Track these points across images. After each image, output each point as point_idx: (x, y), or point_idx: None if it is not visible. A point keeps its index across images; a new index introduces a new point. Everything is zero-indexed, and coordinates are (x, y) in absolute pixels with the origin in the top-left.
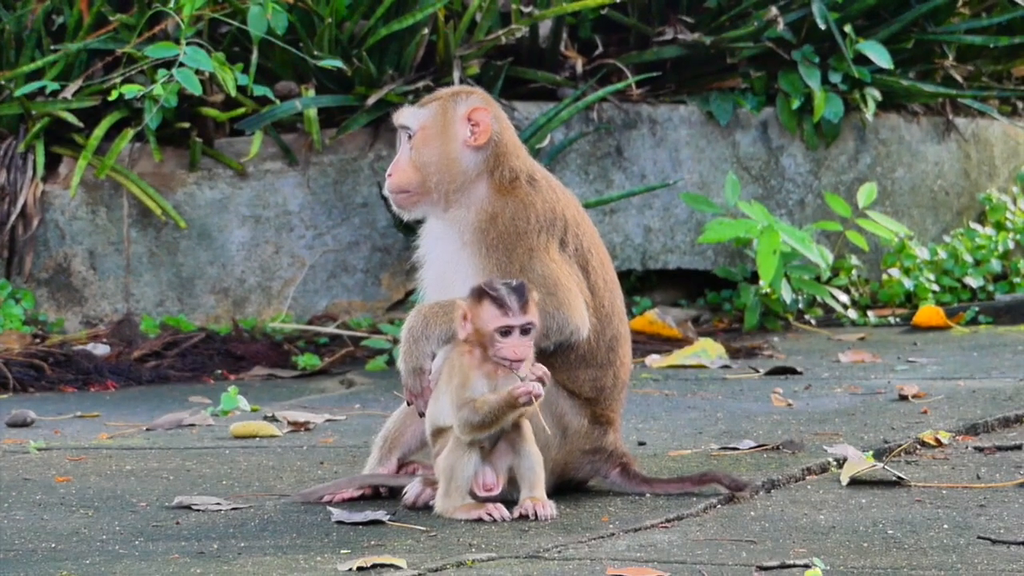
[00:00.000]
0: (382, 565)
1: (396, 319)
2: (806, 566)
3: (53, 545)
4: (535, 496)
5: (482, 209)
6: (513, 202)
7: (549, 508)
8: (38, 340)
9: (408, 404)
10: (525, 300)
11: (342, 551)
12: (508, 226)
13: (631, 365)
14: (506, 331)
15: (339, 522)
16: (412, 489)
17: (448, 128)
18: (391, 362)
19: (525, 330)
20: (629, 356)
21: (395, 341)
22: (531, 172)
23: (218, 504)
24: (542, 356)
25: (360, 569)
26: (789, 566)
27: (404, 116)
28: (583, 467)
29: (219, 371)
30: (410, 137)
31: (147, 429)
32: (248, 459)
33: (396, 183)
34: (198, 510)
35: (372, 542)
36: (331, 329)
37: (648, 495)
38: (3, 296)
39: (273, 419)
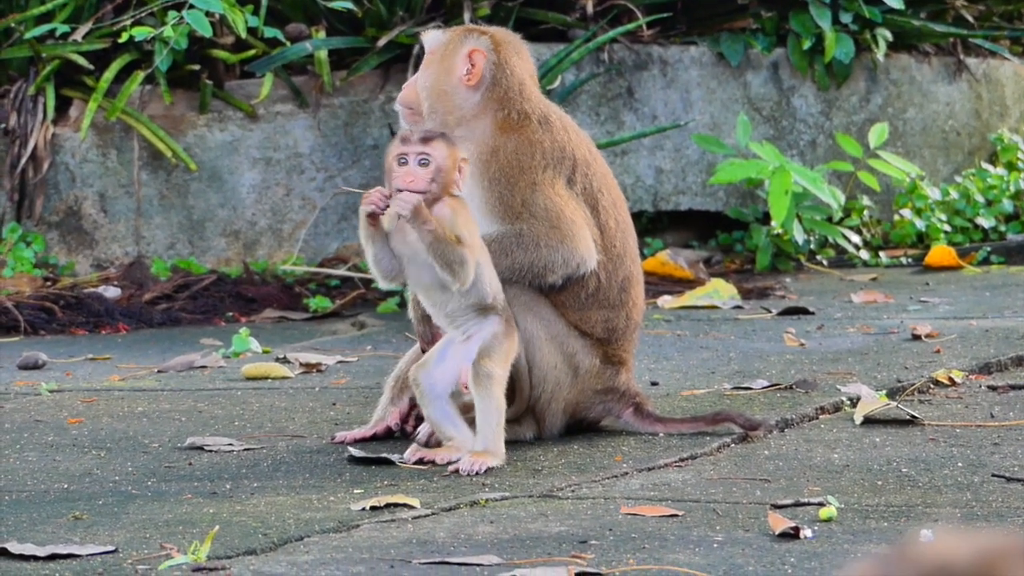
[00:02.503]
0: (395, 504)
1: None
2: (820, 504)
3: (66, 486)
4: (475, 450)
5: (483, 143)
6: (517, 138)
7: (476, 466)
8: (49, 283)
9: (422, 351)
10: (430, 136)
11: (355, 490)
12: (511, 159)
13: (644, 306)
14: (402, 159)
15: (351, 457)
16: (424, 428)
17: (447, 60)
18: (402, 304)
19: (422, 162)
20: (642, 297)
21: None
22: (545, 113)
23: (230, 445)
24: (553, 294)
25: (373, 508)
26: (803, 504)
27: (425, 36)
28: (595, 407)
29: (230, 314)
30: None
31: (159, 371)
32: (260, 400)
33: (402, 97)
34: (210, 451)
35: (385, 482)
36: (342, 271)
37: (661, 435)
38: (14, 239)
39: (285, 361)
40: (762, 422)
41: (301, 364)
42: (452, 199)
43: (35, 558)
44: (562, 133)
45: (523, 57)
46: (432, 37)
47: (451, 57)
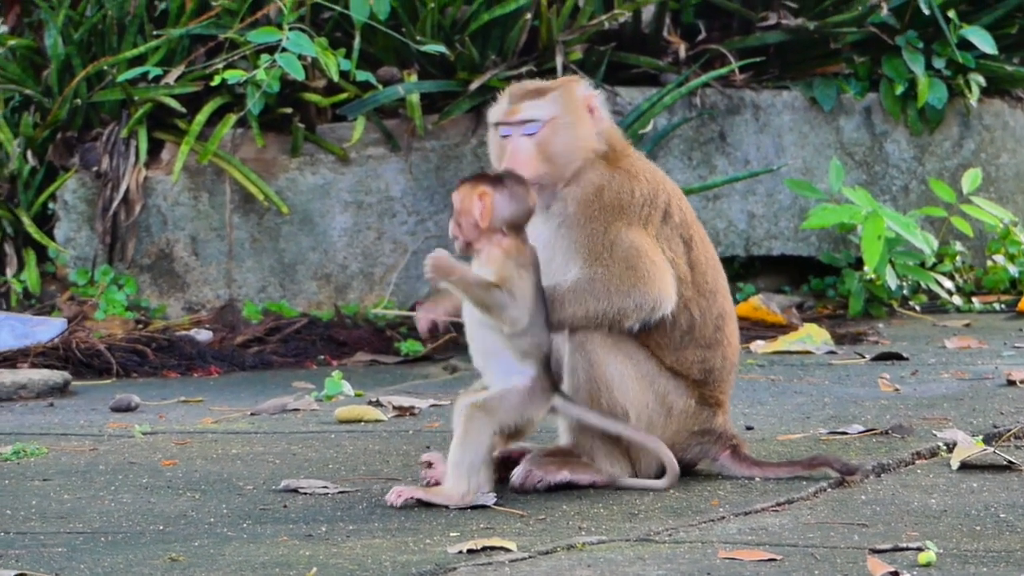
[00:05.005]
0: (492, 548)
1: None
2: (919, 549)
3: (161, 527)
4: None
5: (591, 182)
6: (620, 175)
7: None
8: (141, 326)
9: None
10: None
11: (451, 533)
12: (613, 198)
13: (739, 346)
14: None
15: (446, 506)
16: (520, 471)
17: (576, 114)
18: None
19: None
20: (736, 336)
21: None
22: (631, 151)
23: (325, 487)
24: (644, 335)
25: (470, 552)
26: (902, 549)
27: (528, 110)
28: (691, 448)
29: (322, 357)
30: (531, 133)
31: (252, 414)
32: (354, 443)
33: (532, 174)
34: (305, 493)
35: (481, 525)
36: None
37: (758, 479)
38: (106, 282)
39: (378, 404)
40: (859, 467)
41: (394, 407)
42: (506, 240)
43: None
44: (654, 169)
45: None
46: (539, 106)
47: (578, 110)
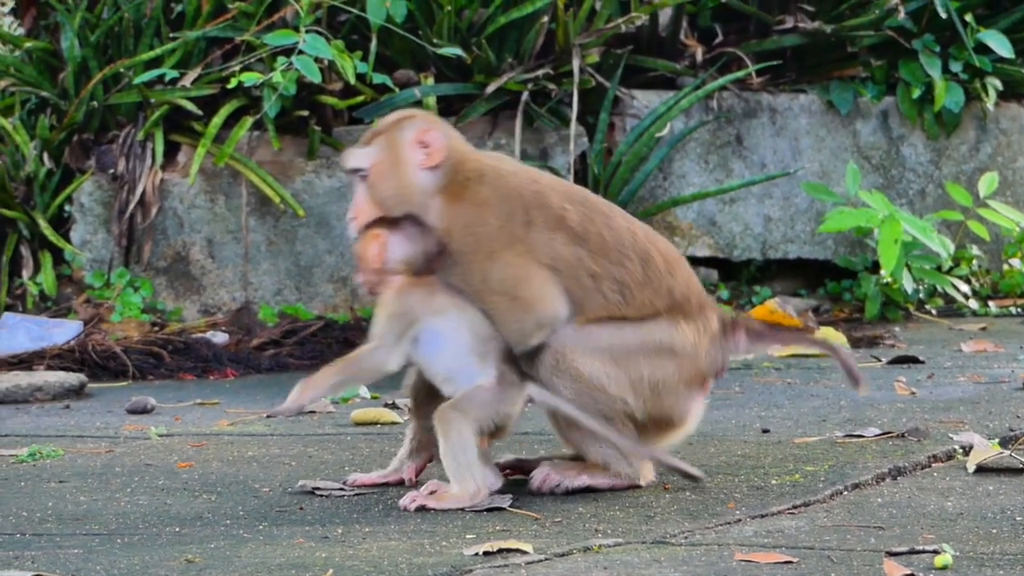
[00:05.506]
0: (508, 550)
1: None
2: (935, 552)
3: (177, 529)
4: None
5: (438, 226)
6: (465, 208)
7: (424, 501)
8: (157, 328)
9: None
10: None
11: (467, 536)
12: (465, 236)
13: (680, 257)
14: None
15: (462, 508)
16: (538, 474)
17: (399, 158)
18: None
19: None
20: (672, 251)
21: None
22: (480, 170)
23: (341, 489)
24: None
25: (487, 554)
26: (919, 552)
27: (353, 159)
28: (717, 357)
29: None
30: (364, 178)
31: (267, 416)
32: (370, 445)
33: (362, 224)
34: (321, 495)
35: (497, 527)
36: None
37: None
38: (122, 284)
39: (393, 406)
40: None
41: (408, 410)
42: (401, 280)
43: None
44: (499, 181)
45: (447, 125)
46: (363, 155)
47: (402, 153)
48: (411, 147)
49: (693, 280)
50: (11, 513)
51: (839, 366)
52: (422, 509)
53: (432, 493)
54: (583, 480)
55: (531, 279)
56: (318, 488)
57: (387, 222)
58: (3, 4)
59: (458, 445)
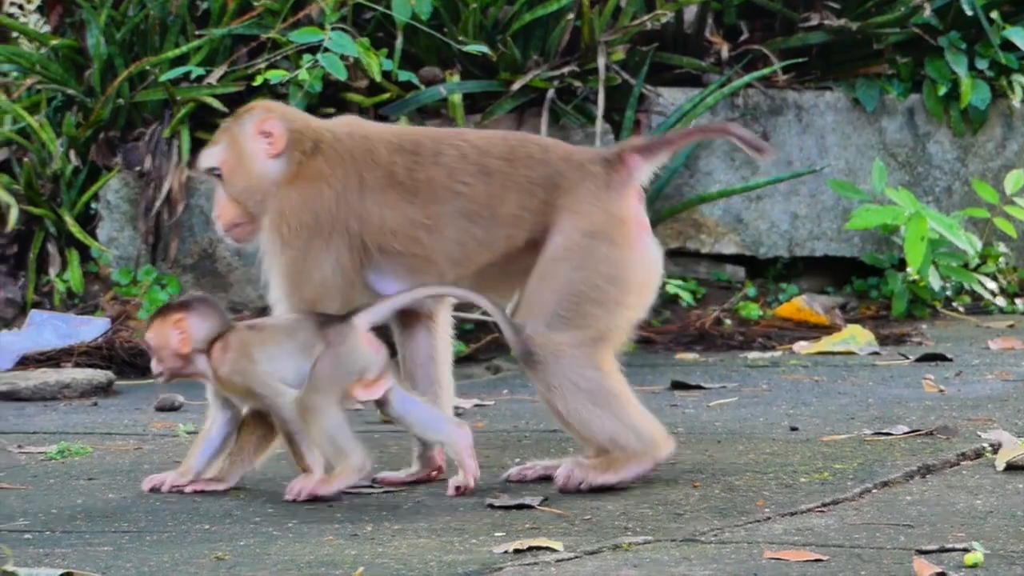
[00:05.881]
0: (537, 548)
1: None
2: (965, 550)
3: (206, 527)
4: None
5: (274, 210)
6: (302, 186)
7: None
8: None
9: None
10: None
11: (496, 534)
12: (302, 215)
13: None
14: None
15: (490, 505)
16: (562, 472)
17: (244, 151)
18: None
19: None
20: (544, 148)
21: None
22: (317, 141)
23: (371, 487)
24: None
25: (516, 551)
26: (948, 550)
27: (204, 159)
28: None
29: None
30: (219, 176)
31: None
32: (399, 443)
33: (225, 222)
34: (350, 493)
35: (526, 525)
36: (476, 316)
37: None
38: (149, 282)
39: None
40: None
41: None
42: (207, 356)
43: None
44: (334, 148)
45: (291, 109)
46: (212, 154)
47: (245, 146)
48: (253, 139)
49: (553, 150)
50: (41, 510)
51: (740, 144)
52: (314, 498)
53: (319, 480)
54: (607, 479)
55: (339, 294)
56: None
57: (179, 307)
58: (29, 2)
59: (326, 427)
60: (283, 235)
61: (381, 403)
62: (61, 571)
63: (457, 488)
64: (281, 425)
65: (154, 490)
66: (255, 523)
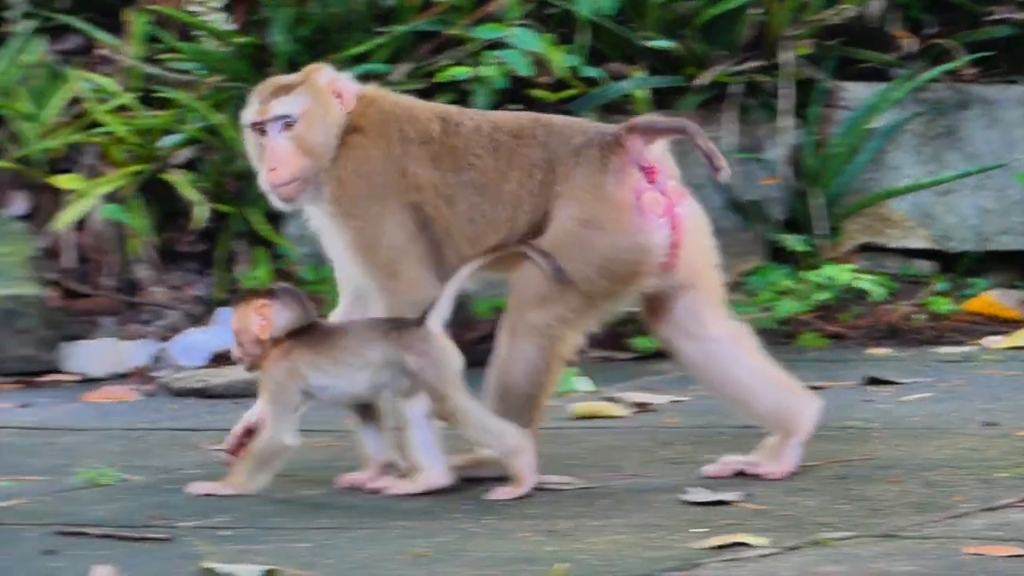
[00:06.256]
0: (738, 544)
1: (732, 301)
2: None
3: (404, 523)
4: None
5: (333, 177)
6: (358, 149)
7: None
8: None
9: None
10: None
11: (694, 530)
12: (359, 182)
13: None
14: None
15: (688, 501)
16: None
17: (326, 103)
18: None
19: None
20: (548, 127)
21: None
22: (365, 104)
23: (566, 483)
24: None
25: (718, 548)
26: None
27: (279, 106)
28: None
29: None
30: (289, 125)
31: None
32: (592, 439)
33: (285, 174)
34: (546, 489)
35: (725, 521)
36: None
37: None
38: None
39: (615, 400)
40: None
41: (631, 403)
42: (280, 347)
43: None
44: (381, 108)
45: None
46: (291, 102)
47: (327, 99)
48: (330, 94)
49: (556, 133)
50: (238, 507)
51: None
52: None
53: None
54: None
55: (411, 254)
56: (542, 482)
57: (264, 294)
58: (213, 0)
59: (475, 420)
60: (343, 206)
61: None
62: (262, 568)
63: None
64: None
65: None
66: (452, 519)
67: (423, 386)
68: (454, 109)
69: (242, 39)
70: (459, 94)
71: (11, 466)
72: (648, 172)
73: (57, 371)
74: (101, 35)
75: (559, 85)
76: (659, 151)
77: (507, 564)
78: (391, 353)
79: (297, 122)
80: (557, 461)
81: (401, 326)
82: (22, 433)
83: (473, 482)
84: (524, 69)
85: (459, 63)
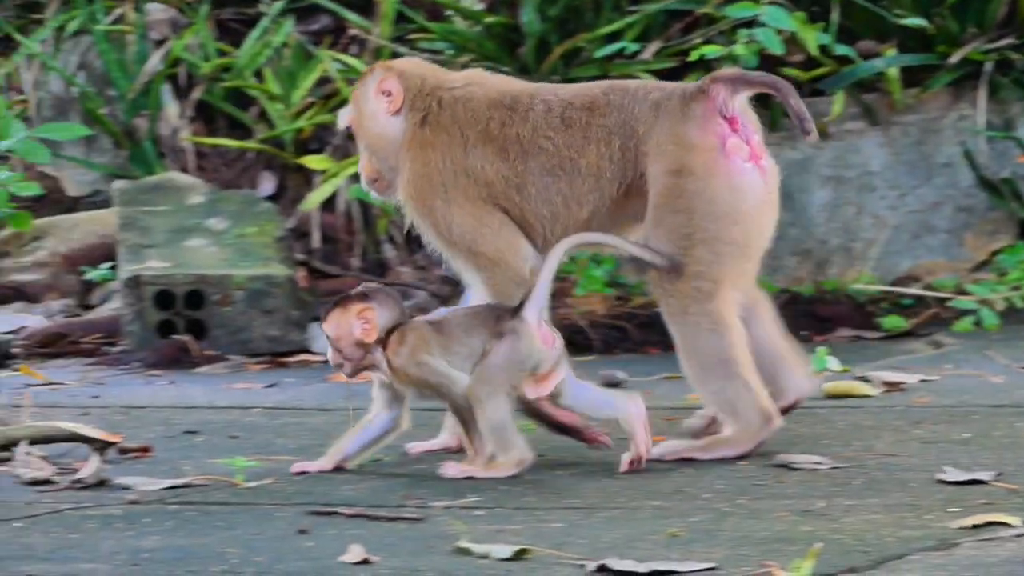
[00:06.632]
0: (994, 523)
1: (981, 280)
2: None
3: (657, 503)
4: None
5: (403, 175)
6: (418, 150)
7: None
8: (620, 302)
9: None
10: (323, 314)
11: (950, 509)
12: (420, 181)
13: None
14: None
15: (941, 480)
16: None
17: (365, 110)
18: (978, 323)
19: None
20: (622, 93)
21: (982, 302)
22: (429, 101)
23: (818, 463)
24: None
25: (973, 527)
26: None
27: (340, 119)
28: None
29: (804, 332)
30: (354, 132)
31: (296, 474)
32: (844, 418)
33: (365, 176)
34: (798, 468)
35: (980, 501)
36: (915, 290)
37: None
38: (585, 259)
39: (864, 379)
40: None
41: (882, 383)
42: (387, 346)
43: (635, 574)
44: (446, 108)
45: (418, 62)
46: (343, 114)
47: (367, 105)
48: (375, 98)
49: (634, 95)
50: (490, 487)
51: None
52: (469, 478)
53: (480, 465)
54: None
55: (486, 231)
56: (794, 462)
57: (360, 297)
58: None
59: (492, 418)
60: (415, 201)
61: (553, 395)
62: (515, 547)
63: (631, 463)
64: (456, 411)
65: (301, 474)
66: (705, 499)
67: (482, 366)
68: (529, 91)
69: (492, 18)
70: (710, 73)
71: (261, 446)
72: (731, 121)
73: (305, 351)
74: (350, 15)
75: (810, 63)
76: (742, 105)
77: (762, 544)
78: (488, 341)
79: (355, 129)
80: (809, 440)
81: (500, 314)
82: (270, 413)
83: (724, 462)
84: (776, 47)
85: (710, 42)
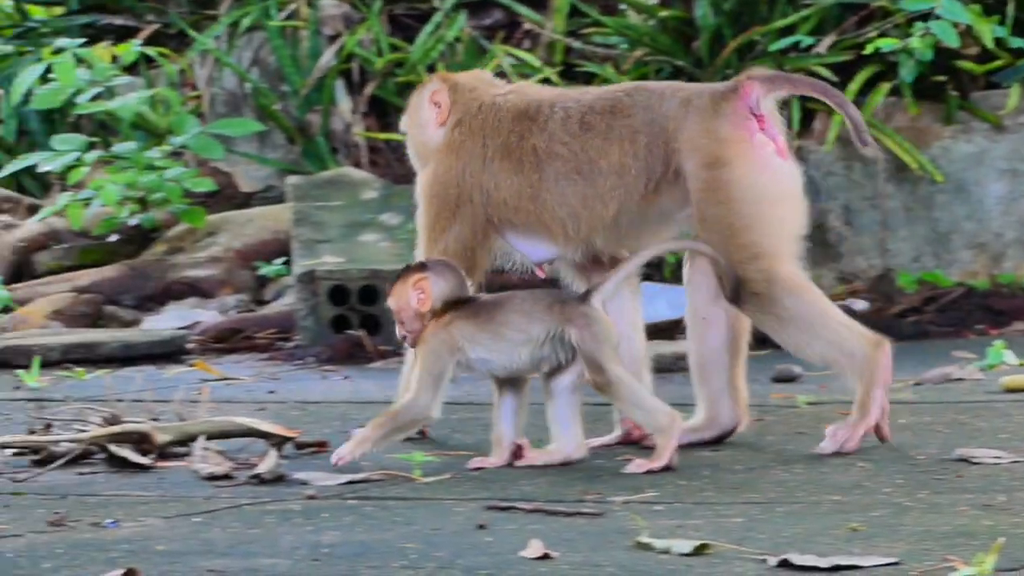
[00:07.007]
0: None
1: None
2: None
3: (836, 498)
4: None
5: (425, 172)
6: (444, 153)
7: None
8: None
9: None
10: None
11: None
12: (437, 187)
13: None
14: None
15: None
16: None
17: (418, 119)
18: None
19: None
20: (648, 94)
21: None
22: (466, 113)
23: (998, 457)
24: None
25: None
26: None
27: (401, 125)
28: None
29: (979, 326)
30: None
31: (915, 384)
32: (1022, 413)
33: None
34: (977, 463)
35: None
36: None
37: None
38: None
39: None
40: None
41: None
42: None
43: (817, 569)
44: (474, 119)
45: (478, 74)
46: (402, 121)
47: (420, 114)
48: (428, 108)
49: (663, 96)
50: (669, 481)
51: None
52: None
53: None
54: (859, 432)
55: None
56: (974, 456)
57: (418, 268)
58: None
59: (628, 395)
60: (425, 197)
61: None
62: (695, 543)
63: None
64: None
65: (478, 469)
66: (885, 493)
67: (584, 358)
68: (552, 98)
69: (666, 12)
70: (885, 66)
71: (438, 441)
72: (759, 119)
73: None
74: (523, 10)
75: (985, 56)
76: (770, 106)
77: (944, 539)
78: (554, 327)
79: (408, 136)
80: (988, 435)
81: (564, 300)
82: (446, 408)
83: (902, 457)
84: (952, 40)
85: (885, 35)
